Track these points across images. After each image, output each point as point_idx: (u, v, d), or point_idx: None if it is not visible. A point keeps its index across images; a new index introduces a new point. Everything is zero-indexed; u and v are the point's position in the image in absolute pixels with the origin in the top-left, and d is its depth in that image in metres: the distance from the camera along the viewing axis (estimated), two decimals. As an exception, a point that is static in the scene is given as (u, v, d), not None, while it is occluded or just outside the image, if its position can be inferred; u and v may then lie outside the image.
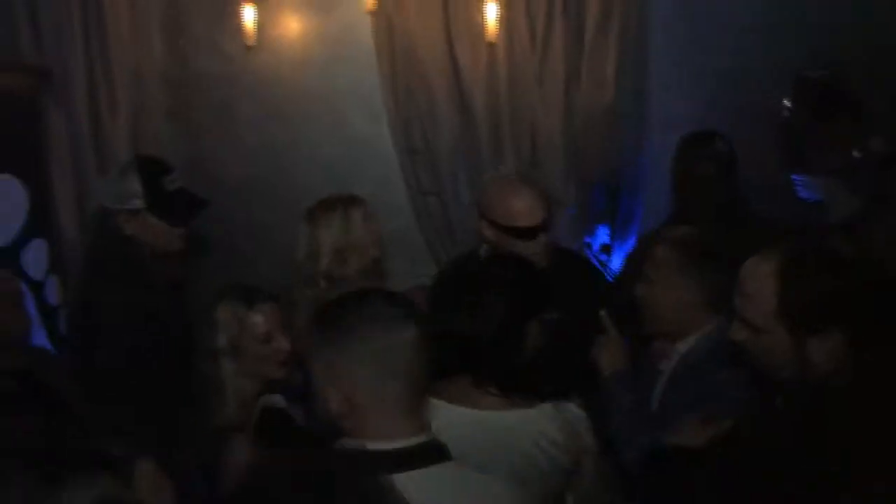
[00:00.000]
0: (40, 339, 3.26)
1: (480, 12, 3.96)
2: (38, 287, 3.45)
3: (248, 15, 4.06)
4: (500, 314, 2.22)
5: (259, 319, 2.48)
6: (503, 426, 2.17)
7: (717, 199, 3.40)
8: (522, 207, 3.00)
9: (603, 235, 4.21)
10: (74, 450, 1.25)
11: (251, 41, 4.10)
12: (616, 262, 4.12)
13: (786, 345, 1.88)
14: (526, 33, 4.00)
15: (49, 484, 1.19)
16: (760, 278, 1.92)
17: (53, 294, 3.51)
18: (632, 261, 3.54)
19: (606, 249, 4.18)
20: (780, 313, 1.87)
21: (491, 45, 3.99)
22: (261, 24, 4.13)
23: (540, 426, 2.19)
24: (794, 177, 3.84)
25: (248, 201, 4.27)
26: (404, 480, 1.55)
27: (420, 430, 1.73)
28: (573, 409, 2.28)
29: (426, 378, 1.76)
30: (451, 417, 2.07)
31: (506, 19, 3.97)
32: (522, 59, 4.02)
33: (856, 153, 3.70)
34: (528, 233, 2.96)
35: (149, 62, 4.14)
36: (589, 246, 4.14)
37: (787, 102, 3.94)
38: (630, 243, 4.14)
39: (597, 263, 3.96)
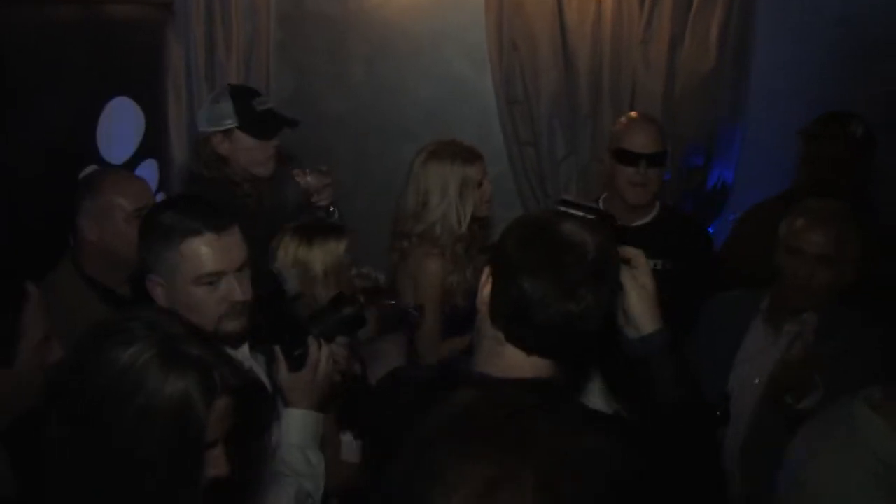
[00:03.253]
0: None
1: (590, -31, 3.97)
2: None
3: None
4: None
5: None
6: None
7: (846, 182, 3.23)
8: (631, 131, 3.14)
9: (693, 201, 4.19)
10: None
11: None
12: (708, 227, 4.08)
13: None
14: (635, -7, 4.00)
15: None
16: None
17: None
18: (747, 225, 3.53)
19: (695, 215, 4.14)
20: None
21: (598, 3, 4.01)
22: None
23: None
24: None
25: (349, 136, 4.38)
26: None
27: None
28: None
29: None
30: None
31: (615, -22, 3.97)
32: (629, 19, 4.04)
33: None
34: (630, 158, 3.07)
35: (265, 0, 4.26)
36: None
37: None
38: (722, 211, 4.18)
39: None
